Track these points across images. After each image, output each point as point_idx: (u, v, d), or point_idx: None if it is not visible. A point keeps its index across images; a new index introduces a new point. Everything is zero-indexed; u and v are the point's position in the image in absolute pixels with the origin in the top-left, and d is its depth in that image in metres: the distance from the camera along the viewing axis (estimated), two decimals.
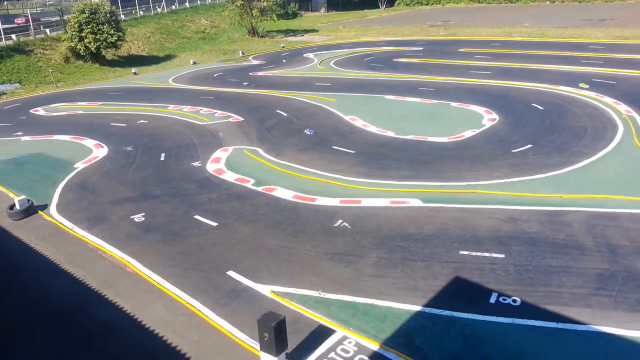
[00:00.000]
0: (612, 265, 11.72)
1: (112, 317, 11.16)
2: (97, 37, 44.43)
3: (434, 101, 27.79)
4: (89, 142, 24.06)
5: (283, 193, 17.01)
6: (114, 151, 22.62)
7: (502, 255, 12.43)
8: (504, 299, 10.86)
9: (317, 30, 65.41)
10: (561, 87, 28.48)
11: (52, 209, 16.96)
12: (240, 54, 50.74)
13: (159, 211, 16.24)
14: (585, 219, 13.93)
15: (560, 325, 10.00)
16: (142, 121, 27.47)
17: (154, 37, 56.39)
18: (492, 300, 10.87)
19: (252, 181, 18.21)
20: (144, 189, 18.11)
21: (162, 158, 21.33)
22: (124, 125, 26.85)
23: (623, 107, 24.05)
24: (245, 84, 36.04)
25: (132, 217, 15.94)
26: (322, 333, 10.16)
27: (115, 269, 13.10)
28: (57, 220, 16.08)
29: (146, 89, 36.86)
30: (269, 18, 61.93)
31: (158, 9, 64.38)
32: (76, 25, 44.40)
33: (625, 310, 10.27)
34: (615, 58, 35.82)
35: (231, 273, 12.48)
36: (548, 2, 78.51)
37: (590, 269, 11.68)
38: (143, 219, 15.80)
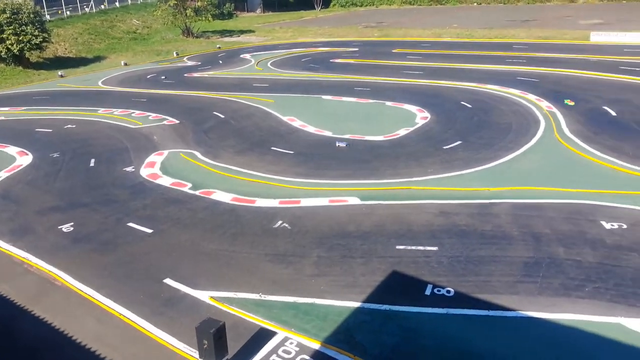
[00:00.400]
0: (537, 253, 12.44)
1: (40, 333, 10.60)
2: (20, 38, 41.92)
3: (370, 101, 28.35)
4: (12, 150, 22.69)
5: (221, 196, 16.79)
6: (39, 158, 21.46)
7: (435, 248, 12.89)
8: (438, 290, 11.27)
9: (253, 31, 64.97)
10: (488, 86, 29.86)
11: None
12: (175, 55, 49.55)
13: (89, 220, 15.59)
14: (511, 210, 14.70)
15: (491, 313, 10.50)
16: (70, 126, 26.24)
17: (82, 37, 53.94)
18: (428, 292, 11.26)
19: (189, 185, 17.84)
20: (73, 197, 17.32)
21: (92, 164, 20.48)
22: (50, 130, 25.54)
23: (545, 104, 25.54)
24: (163, 77, 36.79)
25: (60, 227, 15.19)
26: (263, 336, 10.12)
27: (43, 283, 12.44)
28: None
29: (74, 92, 35.23)
30: (203, 18, 60.82)
31: (86, 9, 61.60)
32: None
33: (549, 295, 10.91)
34: (537, 57, 37.98)
35: (168, 281, 12.18)
36: (475, 4, 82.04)
37: (516, 257, 12.34)
38: (72, 228, 15.11)
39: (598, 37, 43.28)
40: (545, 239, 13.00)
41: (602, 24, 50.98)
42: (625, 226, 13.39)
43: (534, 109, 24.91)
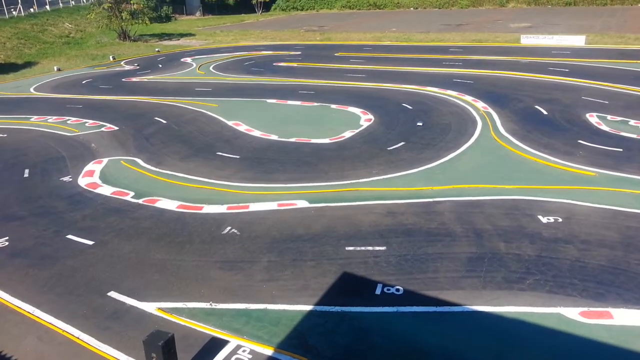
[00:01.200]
0: (479, 249, 12.96)
1: None
2: None
3: (315, 104, 28.53)
4: None
5: (167, 204, 16.38)
6: None
7: (384, 248, 13.16)
8: (388, 289, 11.50)
9: (193, 34, 63.79)
10: (427, 88, 30.79)
11: None
12: (111, 59, 47.85)
13: (25, 234, 14.78)
14: (454, 207, 15.24)
15: (439, 309, 10.84)
16: (0, 135, 24.73)
17: (11, 42, 51.02)
18: (378, 291, 11.47)
19: (132, 194, 17.28)
20: (6, 210, 16.36)
21: (26, 175, 19.44)
22: None
23: (480, 104, 26.64)
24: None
25: None
26: (214, 345, 9.97)
27: None
28: None
29: (4, 100, 33.28)
30: (140, 21, 59.10)
31: (14, 12, 58.29)
32: None
33: (493, 288, 11.39)
34: (471, 59, 39.56)
35: (112, 294, 11.75)
36: (412, 9, 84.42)
37: (460, 253, 12.80)
38: (7, 243, 14.29)
39: (528, 40, 45.66)
40: (487, 235, 13.56)
41: (531, 27, 53.83)
42: (560, 220, 14.18)
43: (471, 109, 25.92)
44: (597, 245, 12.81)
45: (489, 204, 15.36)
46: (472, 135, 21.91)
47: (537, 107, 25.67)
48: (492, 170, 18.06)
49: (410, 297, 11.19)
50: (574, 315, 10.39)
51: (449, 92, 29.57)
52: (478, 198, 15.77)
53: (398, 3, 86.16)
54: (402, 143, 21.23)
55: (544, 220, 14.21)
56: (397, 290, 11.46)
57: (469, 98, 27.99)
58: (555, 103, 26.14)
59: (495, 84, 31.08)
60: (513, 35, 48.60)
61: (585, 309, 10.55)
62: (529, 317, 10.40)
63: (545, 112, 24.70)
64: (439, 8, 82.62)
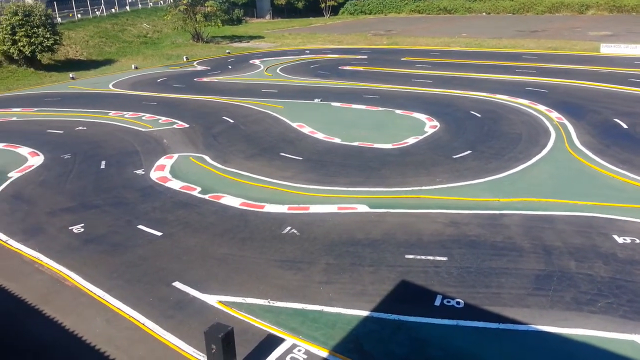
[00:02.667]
0: (548, 266, 12.35)
1: (49, 333, 10.63)
2: (31, 40, 42.31)
3: (379, 108, 28.37)
4: (24, 150, 22.85)
5: (231, 201, 16.82)
6: (50, 159, 21.59)
7: (445, 258, 12.84)
8: (448, 301, 11.21)
9: (262, 37, 65.26)
10: (498, 96, 29.82)
11: None
12: (185, 60, 49.83)
13: (99, 221, 15.65)
14: (522, 221, 14.62)
15: (502, 326, 10.42)
16: (81, 128, 26.40)
17: (93, 41, 54.35)
18: (437, 302, 11.20)
19: (199, 189, 17.89)
20: (84, 199, 17.39)
21: (103, 166, 20.58)
22: (62, 132, 25.71)
23: (555, 114, 25.47)
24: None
25: (70, 228, 15.27)
26: (271, 342, 10.10)
27: (54, 283, 12.49)
28: None
29: (85, 95, 35.48)
30: (213, 23, 61.16)
31: (97, 12, 62.09)
32: (8, 27, 42.10)
33: (561, 309, 10.82)
34: (546, 67, 37.92)
35: (177, 284, 12.19)
36: (484, 14, 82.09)
37: (527, 269, 12.26)
38: (82, 229, 15.17)
39: (608, 49, 43.16)
40: (557, 252, 12.92)
41: (612, 36, 50.87)
42: (638, 240, 13.28)
43: (544, 119, 24.84)
44: None
45: (561, 219, 14.62)
46: (544, 146, 20.98)
47: (616, 120, 24.21)
48: (565, 185, 17.19)
49: (472, 311, 10.84)
50: None
51: (521, 100, 28.48)
52: (549, 213, 15.06)
53: (469, 8, 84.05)
54: (469, 152, 20.66)
55: (620, 240, 13.36)
56: (458, 303, 11.15)
57: (542, 108, 26.84)
58: (636, 116, 24.53)
59: (571, 94, 29.63)
60: (592, 44, 46.14)
61: None
62: (599, 342, 9.79)
63: (625, 126, 23.24)
64: (513, 13, 79.80)
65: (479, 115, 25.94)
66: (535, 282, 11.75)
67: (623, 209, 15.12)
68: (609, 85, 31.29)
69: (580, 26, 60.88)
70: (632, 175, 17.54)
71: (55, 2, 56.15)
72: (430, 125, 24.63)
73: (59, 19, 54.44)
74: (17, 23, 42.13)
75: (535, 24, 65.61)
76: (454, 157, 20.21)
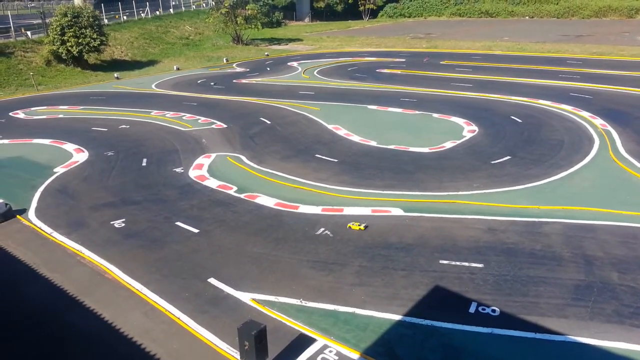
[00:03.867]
0: (588, 277, 11.97)
1: (89, 324, 10.99)
2: (79, 40, 43.96)
3: (416, 112, 28.12)
4: (70, 147, 23.74)
5: (266, 200, 17.00)
6: (94, 156, 22.36)
7: (481, 265, 12.61)
8: (483, 309, 11.00)
9: (301, 40, 65.74)
10: (540, 101, 29.09)
11: (31, 213, 16.67)
12: (225, 61, 50.71)
13: (139, 217, 16.09)
14: (562, 230, 14.21)
15: (538, 336, 10.16)
16: (123, 126, 27.22)
17: (137, 42, 56.01)
18: (472, 309, 11.01)
19: (235, 188, 18.16)
20: (125, 195, 17.93)
21: (144, 164, 21.16)
22: (106, 130, 26.58)
23: (599, 121, 24.66)
24: (213, 83, 38.03)
25: (112, 222, 15.75)
26: (302, 342, 10.16)
27: (94, 275, 12.92)
28: (35, 225, 15.80)
29: (128, 94, 36.56)
30: (253, 26, 62.04)
31: (142, 14, 63.98)
32: (58, 28, 43.89)
33: (601, 321, 10.47)
34: (591, 73, 36.74)
35: (212, 280, 12.41)
36: (527, 18, 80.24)
37: (566, 279, 11.91)
38: (123, 224, 15.63)
39: None
40: (598, 263, 12.50)
41: None
42: None
43: (588, 126, 24.08)
44: None
45: (603, 229, 14.14)
46: (587, 154, 20.34)
47: None
48: (608, 193, 16.62)
49: (507, 320, 10.61)
50: None
51: (564, 106, 27.71)
52: (591, 222, 14.58)
53: (512, 11, 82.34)
54: (508, 157, 20.24)
55: None
56: (493, 311, 10.92)
57: (585, 114, 26.03)
58: None
59: (617, 101, 28.61)
60: None
61: None
62: None
63: None
64: (557, 17, 77.68)
65: (519, 121, 25.36)
66: (574, 292, 11.40)
67: None
68: None
69: (629, 31, 58.73)
70: None
71: (102, 4, 58.20)
72: (469, 130, 24.25)
73: (106, 21, 56.35)
74: (66, 24, 43.84)
75: (581, 28, 63.68)
76: (492, 162, 19.83)
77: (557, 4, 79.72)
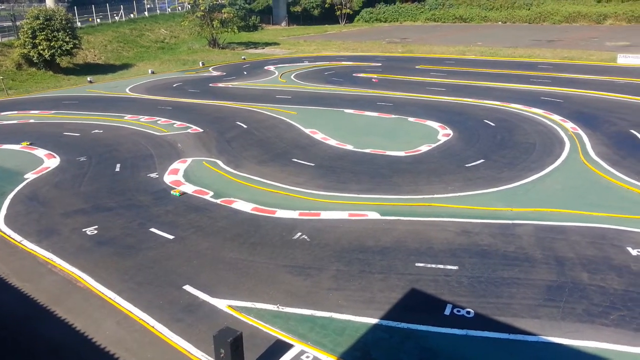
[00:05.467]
0: (560, 277, 12.22)
1: (60, 334, 10.75)
2: (51, 44, 43.09)
3: (392, 116, 28.35)
4: (41, 152, 23.23)
5: (242, 205, 16.90)
6: (66, 161, 21.91)
7: (456, 267, 12.76)
8: (458, 311, 11.13)
9: (278, 43, 65.70)
10: (512, 105, 29.64)
11: (0, 221, 16.27)
12: (201, 65, 50.33)
13: (112, 224, 15.82)
14: (534, 231, 14.49)
15: (512, 336, 10.32)
16: (97, 131, 26.77)
17: (111, 45, 55.20)
18: (447, 312, 11.13)
19: (211, 193, 18.02)
20: (98, 201, 17.61)
21: (118, 169, 20.83)
22: (78, 135, 26.09)
23: (569, 125, 25.24)
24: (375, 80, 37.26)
25: (84, 229, 15.46)
26: (279, 348, 10.12)
27: (66, 284, 12.65)
28: (4, 233, 15.42)
29: (102, 98, 35.98)
30: (229, 30, 61.76)
31: (116, 17, 63.11)
32: (29, 31, 42.96)
33: (572, 320, 10.69)
34: (562, 77, 37.62)
35: (187, 287, 12.27)
36: (500, 23, 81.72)
37: (539, 280, 12.13)
38: (96, 231, 15.35)
39: (625, 60, 42.69)
40: (569, 263, 12.77)
41: (630, 46, 50.32)
42: None
43: (559, 129, 24.62)
44: None
45: (574, 230, 14.46)
46: (558, 156, 20.79)
47: (632, 131, 23.91)
48: (579, 195, 17.01)
49: (482, 321, 10.75)
50: None
51: (536, 110, 28.29)
52: (562, 224, 14.90)
53: (485, 17, 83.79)
54: (482, 160, 20.55)
55: (634, 252, 13.17)
56: (468, 312, 11.06)
57: (557, 117, 26.63)
58: None
59: (586, 105, 29.34)
60: (609, 54, 45.70)
61: None
62: (611, 355, 9.66)
63: None
64: (529, 23, 79.35)
65: (492, 124, 25.80)
66: (546, 293, 11.62)
67: (638, 221, 14.91)
68: (625, 96, 30.93)
69: (598, 36, 60.36)
70: None
71: (75, 7, 57.21)
72: (444, 134, 24.55)
73: (79, 24, 55.42)
74: (38, 27, 42.94)
75: (552, 33, 65.17)
76: (467, 165, 20.11)
77: (529, 9, 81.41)
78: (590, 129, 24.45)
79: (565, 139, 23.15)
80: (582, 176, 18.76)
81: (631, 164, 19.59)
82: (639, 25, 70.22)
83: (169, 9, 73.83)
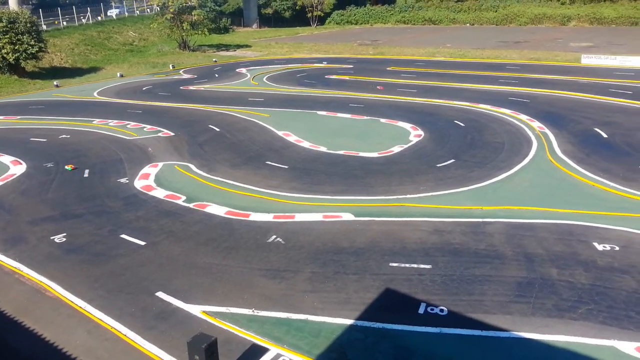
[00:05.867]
0: (530, 273, 12.50)
1: (29, 345, 10.48)
2: (16, 47, 41.89)
3: (365, 117, 28.55)
4: (6, 159, 22.56)
5: (216, 209, 16.76)
6: (33, 168, 21.35)
7: (429, 266, 12.92)
8: (431, 309, 11.27)
9: (249, 46, 65.36)
10: (481, 105, 30.20)
11: None
12: (171, 68, 49.69)
13: (82, 231, 15.48)
14: (504, 229, 14.80)
15: (484, 333, 10.51)
16: (64, 136, 26.16)
17: (78, 48, 53.99)
18: (421, 310, 11.26)
19: (184, 198, 17.81)
20: (66, 208, 17.21)
21: (86, 175, 20.39)
22: (45, 140, 25.45)
23: (536, 124, 25.86)
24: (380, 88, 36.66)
25: (52, 237, 15.10)
26: (255, 352, 10.06)
27: (34, 294, 12.32)
28: None
29: (69, 103, 35.17)
30: (200, 32, 61.15)
31: (83, 20, 61.75)
32: None
33: (542, 315, 10.95)
34: (528, 78, 38.52)
35: (160, 294, 12.09)
36: (468, 25, 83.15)
37: (509, 277, 12.39)
38: (64, 239, 15.00)
39: (589, 60, 44.00)
40: (538, 260, 13.08)
41: (593, 47, 51.88)
42: (617, 248, 13.51)
43: (526, 129, 25.20)
44: None
45: (542, 227, 14.82)
46: (526, 155, 21.28)
47: (596, 129, 24.65)
48: (546, 193, 17.44)
49: (455, 319, 10.92)
50: (629, 350, 9.83)
51: (504, 110, 28.88)
52: (530, 221, 15.26)
53: (454, 19, 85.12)
54: (452, 160, 20.87)
55: (600, 247, 13.58)
56: (442, 310, 11.22)
57: (524, 117, 27.24)
58: (616, 126, 25.01)
59: (552, 104, 30.11)
60: (573, 55, 47.00)
61: None
62: (579, 348, 9.93)
63: (605, 135, 23.68)
64: (496, 25, 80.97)
65: (462, 125, 26.23)
66: (517, 289, 11.88)
67: (603, 217, 15.38)
68: (589, 95, 31.86)
69: (562, 37, 62.01)
70: (612, 184, 17.86)
71: (40, 9, 55.77)
72: (415, 134, 24.84)
73: (44, 26, 54.07)
74: (1, 30, 41.70)
75: (518, 35, 66.65)
76: (438, 165, 20.40)
77: (496, 11, 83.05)
78: (557, 128, 25.10)
79: (533, 138, 23.71)
80: (550, 174, 19.23)
81: (596, 161, 20.19)
82: (601, 27, 72.47)
83: (138, 11, 72.55)
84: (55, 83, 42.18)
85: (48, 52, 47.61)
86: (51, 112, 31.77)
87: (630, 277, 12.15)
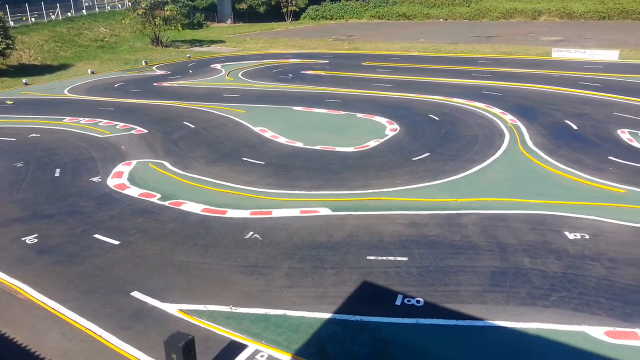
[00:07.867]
0: (503, 263, 12.75)
1: (1, 348, 10.21)
2: None
3: (341, 112, 28.60)
4: None
5: (192, 207, 16.61)
6: (2, 168, 20.81)
7: (405, 259, 13.06)
8: (408, 300, 11.40)
9: (224, 41, 64.76)
10: (455, 99, 30.56)
11: None
12: (144, 64, 48.90)
13: (54, 231, 15.17)
14: (478, 220, 15.04)
15: (460, 322, 10.69)
16: (34, 135, 25.54)
17: (48, 45, 52.70)
18: (398, 302, 11.38)
19: (158, 196, 17.59)
20: (37, 208, 16.83)
21: (57, 174, 19.97)
22: (14, 139, 24.82)
23: (509, 117, 26.30)
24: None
25: (23, 239, 14.76)
26: (233, 349, 10.03)
27: (5, 296, 12.03)
28: None
29: (39, 101, 34.32)
30: (173, 28, 60.32)
31: (52, 16, 60.24)
32: None
33: (516, 304, 11.18)
34: (501, 72, 39.11)
35: (136, 294, 11.94)
36: (442, 20, 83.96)
37: (484, 267, 12.61)
38: (36, 240, 14.68)
39: (559, 54, 44.91)
40: (512, 249, 13.34)
41: (563, 41, 52.97)
42: (587, 236, 13.86)
43: (499, 122, 25.60)
44: (625, 264, 12.48)
45: (515, 218, 15.12)
46: (499, 148, 21.63)
47: (567, 121, 25.20)
48: (518, 184, 17.77)
49: (431, 310, 11.07)
50: (599, 335, 10.12)
51: (477, 104, 29.27)
52: (503, 212, 15.54)
53: (427, 14, 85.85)
54: (427, 154, 21.09)
55: (571, 236, 13.91)
56: (418, 301, 11.36)
57: (497, 110, 27.66)
58: (586, 118, 25.62)
59: (524, 97, 30.66)
60: (544, 49, 47.90)
61: (611, 328, 10.28)
62: (552, 335, 10.17)
63: (575, 127, 24.23)
64: (469, 20, 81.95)
65: (437, 118, 26.51)
66: (491, 278, 12.10)
67: (573, 206, 15.75)
68: (560, 88, 32.53)
69: (533, 31, 63.12)
70: (582, 175, 18.29)
71: (7, 5, 54.19)
72: (391, 129, 25.01)
73: (12, 23, 52.57)
74: None
75: (491, 29, 67.59)
76: (414, 159, 20.58)
77: (469, 6, 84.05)
78: (528, 120, 25.56)
79: (505, 130, 24.11)
80: (522, 166, 19.60)
81: (566, 153, 20.65)
82: (571, 21, 74.03)
83: (109, 7, 71.10)
84: (24, 81, 41.09)
85: (16, 49, 46.44)
86: (20, 111, 30.97)
87: (599, 265, 12.49)
